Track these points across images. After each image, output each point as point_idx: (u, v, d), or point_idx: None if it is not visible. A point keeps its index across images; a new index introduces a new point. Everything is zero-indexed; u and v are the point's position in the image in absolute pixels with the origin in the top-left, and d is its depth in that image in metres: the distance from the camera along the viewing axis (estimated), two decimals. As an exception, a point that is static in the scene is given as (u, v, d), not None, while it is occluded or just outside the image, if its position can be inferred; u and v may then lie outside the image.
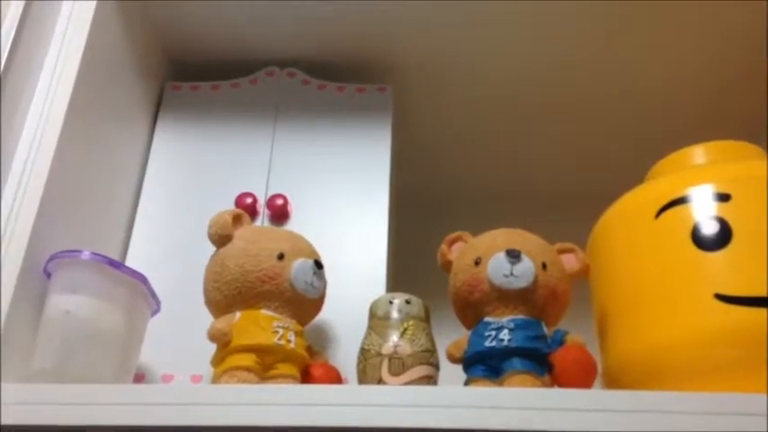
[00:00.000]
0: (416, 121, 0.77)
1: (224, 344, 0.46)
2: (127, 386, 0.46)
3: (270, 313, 0.47)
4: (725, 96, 0.72)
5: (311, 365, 0.48)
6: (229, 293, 0.48)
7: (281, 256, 0.48)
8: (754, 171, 0.49)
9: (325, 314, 0.56)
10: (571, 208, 0.73)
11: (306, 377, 0.48)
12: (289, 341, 0.46)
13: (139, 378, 0.53)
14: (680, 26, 0.66)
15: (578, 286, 0.53)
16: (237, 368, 0.44)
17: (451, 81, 0.73)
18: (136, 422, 0.41)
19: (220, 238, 0.49)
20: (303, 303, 0.49)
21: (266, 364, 0.46)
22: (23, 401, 0.42)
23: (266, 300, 0.47)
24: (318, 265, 0.49)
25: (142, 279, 0.48)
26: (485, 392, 0.42)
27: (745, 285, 0.44)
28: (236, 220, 0.50)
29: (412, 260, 0.71)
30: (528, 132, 0.78)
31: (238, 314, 0.47)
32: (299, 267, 0.48)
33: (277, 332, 0.46)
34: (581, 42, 0.68)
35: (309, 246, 0.51)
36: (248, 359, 0.45)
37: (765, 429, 0.39)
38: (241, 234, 0.50)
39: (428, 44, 0.69)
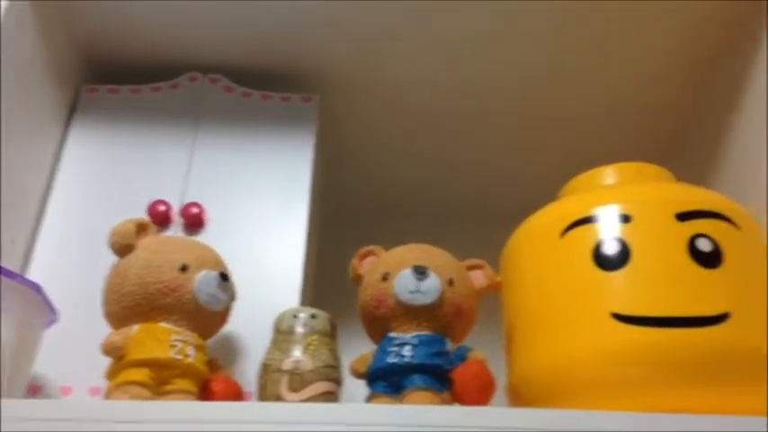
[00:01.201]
0: (344, 131, 0.77)
1: (119, 357, 0.45)
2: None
3: (169, 326, 0.46)
4: (643, 118, 0.74)
5: (212, 380, 0.47)
6: (128, 305, 0.46)
7: (184, 268, 0.47)
8: (654, 193, 0.50)
9: (238, 327, 0.56)
10: (496, 223, 0.73)
11: (206, 392, 0.47)
12: (187, 355, 0.45)
13: (37, 390, 0.51)
14: (614, 48, 0.67)
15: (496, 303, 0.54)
16: (130, 383, 0.43)
17: (380, 93, 0.73)
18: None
19: (122, 248, 0.48)
20: (206, 316, 0.48)
21: (162, 378, 0.45)
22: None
23: (167, 313, 0.46)
24: (224, 277, 0.49)
25: (36, 288, 0.46)
26: (377, 409, 0.41)
27: (641, 305, 0.45)
28: (141, 229, 0.49)
29: (336, 272, 0.71)
30: (454, 147, 0.79)
31: (136, 327, 0.46)
32: (202, 279, 0.47)
33: (175, 346, 0.45)
34: (507, 59, 0.69)
35: (216, 257, 0.51)
36: (142, 374, 0.44)
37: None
38: (144, 244, 0.48)
39: (357, 55, 0.69)
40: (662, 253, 0.47)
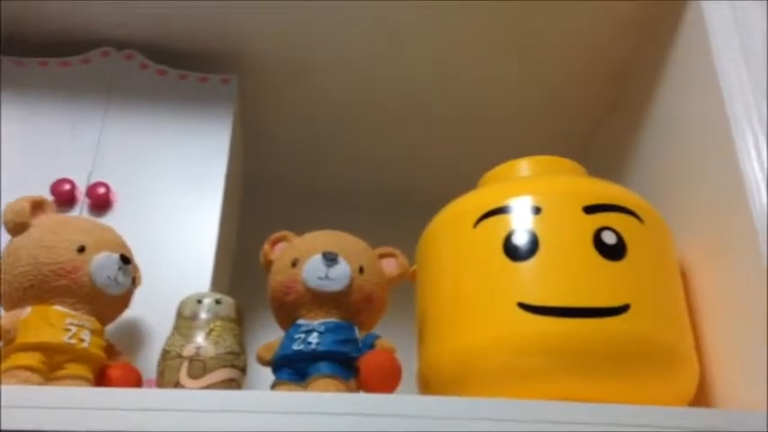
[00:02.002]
0: (265, 115, 0.75)
1: (8, 341, 0.42)
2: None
3: (64, 309, 0.44)
4: (557, 115, 0.75)
5: (109, 366, 0.45)
6: (20, 287, 0.44)
7: (81, 249, 0.45)
8: (564, 186, 0.51)
9: (144, 313, 0.54)
10: (416, 212, 0.73)
11: (103, 379, 0.45)
12: (82, 340, 0.43)
13: None
14: (533, 48, 0.68)
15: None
16: (19, 367, 0.41)
17: (301, 77, 0.71)
18: None
19: (15, 227, 0.45)
20: (104, 300, 0.46)
21: (54, 363, 0.43)
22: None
23: (62, 295, 0.44)
24: (125, 259, 0.47)
25: None
26: (280, 396, 0.41)
27: (546, 296, 0.46)
28: (37, 207, 0.47)
29: (256, 259, 0.70)
30: (375, 135, 0.78)
31: (29, 309, 0.44)
32: (100, 261, 0.46)
33: (69, 330, 0.43)
34: (430, 50, 0.69)
35: (117, 239, 0.49)
36: (32, 358, 0.42)
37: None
38: (40, 223, 0.46)
39: (278, 38, 0.67)
40: (568, 244, 0.47)
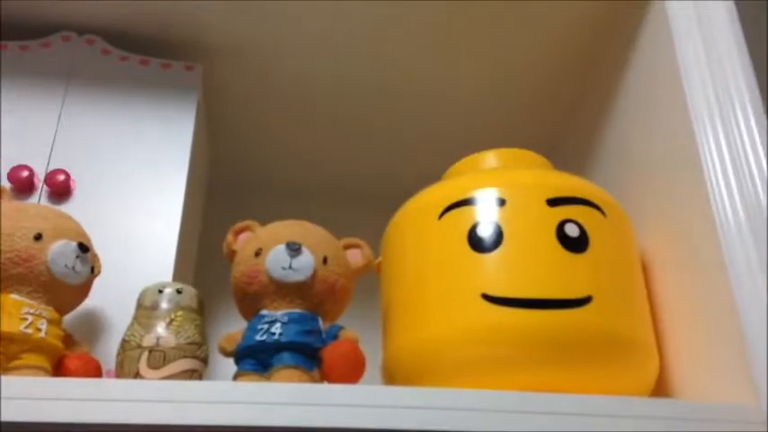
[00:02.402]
0: (228, 104, 0.74)
1: (-39, 331, 0.41)
2: None
3: (20, 298, 0.43)
4: (522, 109, 0.76)
5: (67, 357, 0.44)
6: (-26, 275, 0.43)
7: (38, 237, 0.44)
8: (528, 179, 0.51)
9: (104, 303, 0.53)
10: (383, 205, 0.73)
11: (60, 369, 0.44)
12: (38, 329, 0.42)
13: None
14: (482, 39, 0.68)
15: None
16: (-28, 358, 0.40)
17: (266, 67, 0.71)
18: None
19: (-30, 214, 0.44)
20: (62, 289, 0.45)
21: (10, 353, 0.42)
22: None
23: (18, 284, 0.43)
24: (83, 248, 0.46)
25: None
26: (242, 387, 0.40)
27: (509, 287, 0.46)
28: (-8, 194, 0.45)
29: (221, 249, 0.69)
30: (342, 127, 0.78)
31: (-17, 298, 0.43)
32: (58, 250, 0.45)
33: (25, 319, 0.42)
34: (394, 44, 0.68)
35: (76, 227, 0.48)
36: (-14, 348, 0.41)
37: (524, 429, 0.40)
38: (-5, 210, 0.45)
39: (243, 26, 0.66)
40: (532, 236, 0.48)
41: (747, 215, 0.46)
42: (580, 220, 0.49)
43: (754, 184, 0.47)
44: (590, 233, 0.48)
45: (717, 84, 0.51)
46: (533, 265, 0.47)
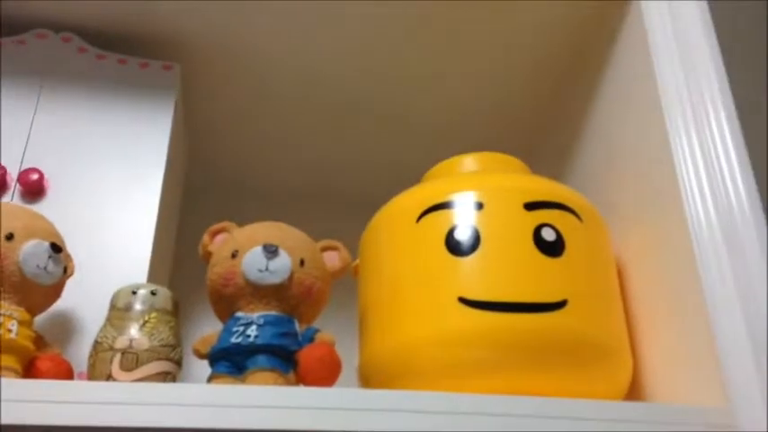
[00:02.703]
0: (206, 105, 0.74)
1: (-70, 331, 0.41)
2: None
3: (-10, 299, 0.42)
4: (499, 114, 0.76)
5: (38, 358, 0.44)
6: (-56, 275, 0.42)
7: (9, 237, 0.44)
8: (506, 182, 0.51)
9: (77, 304, 0.52)
10: (361, 209, 0.73)
11: (31, 371, 0.43)
12: (9, 330, 0.42)
13: None
14: (458, 43, 0.68)
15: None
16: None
17: (244, 67, 0.70)
18: None
19: (-60, 213, 0.43)
20: (34, 290, 0.44)
21: (-20, 355, 0.41)
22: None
23: (-12, 284, 0.43)
24: (56, 248, 0.45)
25: None
26: (216, 390, 0.40)
27: (486, 291, 0.46)
28: (-37, 193, 0.45)
29: (195, 249, 0.68)
30: (320, 130, 0.78)
31: (-48, 298, 0.42)
32: (30, 250, 0.44)
33: (-5, 320, 0.41)
34: (376, 46, 0.68)
35: (48, 226, 0.47)
36: (-45, 349, 0.40)
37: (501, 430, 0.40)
38: (-34, 209, 0.44)
39: (222, 26, 0.66)
40: (509, 240, 0.48)
41: (719, 217, 0.46)
42: (557, 225, 0.49)
43: (725, 186, 0.47)
44: (566, 237, 0.49)
45: (690, 84, 0.52)
46: (510, 268, 0.47)
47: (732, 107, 0.50)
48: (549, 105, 0.74)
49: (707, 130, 0.49)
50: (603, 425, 0.41)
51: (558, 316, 0.46)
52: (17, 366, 0.42)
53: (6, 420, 0.38)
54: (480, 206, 0.49)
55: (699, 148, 0.49)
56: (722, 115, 0.50)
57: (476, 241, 0.48)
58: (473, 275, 0.47)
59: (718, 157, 0.48)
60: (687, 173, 0.49)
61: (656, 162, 0.52)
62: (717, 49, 0.52)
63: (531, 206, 0.49)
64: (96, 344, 0.44)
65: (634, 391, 0.51)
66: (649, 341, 0.51)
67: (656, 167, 0.52)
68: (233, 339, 0.45)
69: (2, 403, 0.38)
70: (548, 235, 0.48)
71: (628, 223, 0.56)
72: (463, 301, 0.46)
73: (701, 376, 0.45)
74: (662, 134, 0.52)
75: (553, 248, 0.48)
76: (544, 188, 0.51)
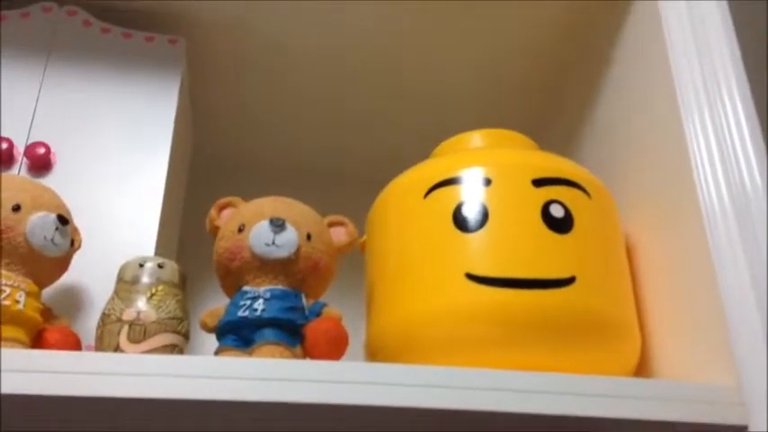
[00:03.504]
0: (211, 80, 0.73)
1: (-62, 302, 0.41)
2: None
3: (-3, 270, 0.42)
4: (510, 92, 0.75)
5: (46, 330, 0.44)
6: (-49, 246, 0.42)
7: (16, 208, 0.44)
8: (514, 159, 0.51)
9: (85, 276, 0.52)
10: (369, 183, 0.73)
11: (40, 343, 0.44)
12: (17, 301, 0.42)
13: None
14: (470, 23, 0.67)
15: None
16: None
17: (249, 46, 0.70)
18: None
19: (-54, 185, 0.43)
20: (41, 261, 0.44)
21: (-12, 326, 0.41)
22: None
23: (-5, 255, 0.43)
24: (63, 220, 0.45)
25: None
26: (223, 362, 0.40)
27: (494, 267, 0.46)
28: (-30, 164, 0.44)
29: (202, 223, 0.68)
30: (328, 106, 0.77)
31: (-41, 269, 0.42)
32: (37, 221, 0.44)
33: (3, 291, 0.42)
34: (381, 28, 0.68)
35: (55, 199, 0.47)
36: (-37, 319, 0.40)
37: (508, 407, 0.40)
38: (-27, 180, 0.44)
39: (228, 4, 0.65)
40: (517, 217, 0.48)
41: (732, 199, 0.46)
42: (565, 201, 0.49)
43: (739, 169, 0.47)
44: (575, 214, 0.48)
45: (703, 63, 0.51)
46: (518, 244, 0.47)
47: (746, 87, 0.49)
48: (557, 91, 0.74)
49: (721, 115, 0.49)
50: (611, 401, 0.41)
51: (566, 292, 0.46)
52: (25, 338, 0.43)
53: (14, 390, 0.38)
54: (488, 182, 0.49)
55: (713, 133, 0.48)
56: (735, 94, 0.49)
57: (483, 217, 0.48)
58: (480, 251, 0.47)
59: (731, 141, 0.48)
60: (700, 153, 0.49)
61: (668, 146, 0.52)
62: (730, 26, 0.52)
63: (539, 182, 0.49)
64: (104, 316, 0.44)
65: (643, 369, 0.51)
66: (659, 319, 0.51)
67: (669, 151, 0.52)
68: (240, 313, 0.45)
69: (10, 373, 0.38)
70: (556, 211, 0.48)
71: (637, 204, 0.55)
72: (470, 276, 0.46)
73: (711, 354, 0.45)
74: (675, 119, 0.51)
75: (561, 225, 0.48)
76: (553, 164, 0.51)
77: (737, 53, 0.51)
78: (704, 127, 0.49)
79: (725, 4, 0.53)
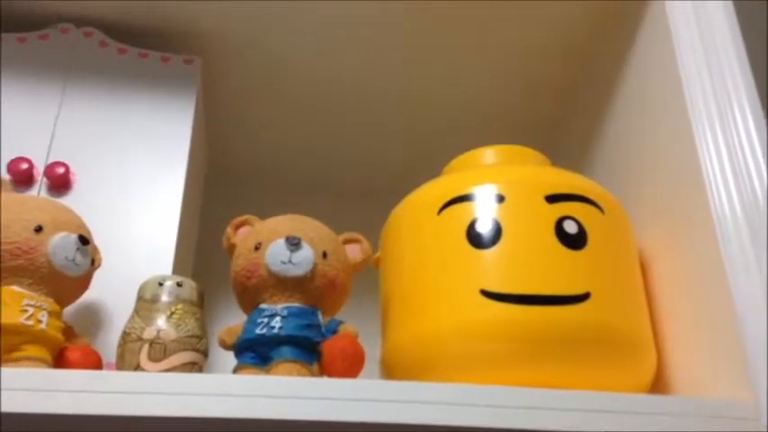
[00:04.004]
0: (227, 97, 0.74)
1: (-38, 322, 0.41)
2: None
3: (20, 290, 0.43)
4: (519, 105, 0.76)
5: (67, 349, 0.45)
6: (-25, 267, 0.43)
7: (38, 229, 0.44)
8: (527, 175, 0.51)
9: (104, 295, 0.53)
10: (383, 201, 0.73)
11: (61, 361, 0.44)
12: (39, 321, 0.43)
13: None
14: (479, 36, 0.68)
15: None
16: (-26, 349, 0.40)
17: (265, 60, 0.71)
18: None
19: (-30, 206, 0.44)
20: (62, 281, 0.45)
21: (11, 345, 0.42)
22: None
23: (18, 275, 0.43)
24: (83, 240, 0.46)
25: None
26: (242, 380, 0.40)
27: (508, 283, 0.46)
28: (-8, 186, 0.45)
29: (218, 241, 0.69)
30: (342, 124, 0.78)
31: (-17, 290, 0.43)
32: (58, 242, 0.45)
33: (26, 311, 0.42)
34: (392, 43, 0.68)
35: (76, 219, 0.48)
36: (-13, 339, 0.41)
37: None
38: (-5, 202, 0.45)
39: (242, 20, 0.66)
40: (531, 233, 0.48)
41: (745, 213, 0.46)
42: (579, 217, 0.49)
43: (752, 183, 0.47)
44: (588, 230, 0.49)
45: (715, 83, 0.51)
46: (532, 261, 0.47)
47: (757, 100, 0.49)
48: (569, 103, 0.74)
49: (732, 128, 0.49)
50: (627, 418, 0.41)
51: (580, 308, 0.46)
52: (47, 357, 0.43)
53: (37, 409, 0.38)
54: (501, 199, 0.49)
55: (724, 146, 0.49)
56: (746, 107, 0.49)
57: (497, 234, 0.48)
58: (494, 268, 0.47)
59: (743, 154, 0.48)
60: (712, 166, 0.49)
61: (680, 160, 0.52)
62: (742, 48, 0.52)
63: (552, 198, 0.49)
64: (125, 334, 0.45)
65: (658, 385, 0.51)
66: (674, 335, 0.51)
67: (681, 165, 0.52)
68: (257, 330, 0.46)
69: (32, 393, 0.38)
70: (570, 227, 0.48)
71: (650, 219, 0.56)
72: (485, 293, 0.46)
73: (726, 369, 0.45)
74: (687, 132, 0.51)
75: (575, 241, 0.48)
76: (566, 181, 0.51)
77: (746, 64, 0.51)
78: (716, 140, 0.49)
79: (732, 12, 0.53)
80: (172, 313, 0.45)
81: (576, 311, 0.46)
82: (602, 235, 0.49)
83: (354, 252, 0.51)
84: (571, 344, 0.46)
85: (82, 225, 0.48)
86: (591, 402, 0.42)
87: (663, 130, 0.55)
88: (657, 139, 0.56)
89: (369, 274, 0.55)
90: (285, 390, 0.40)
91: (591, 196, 0.51)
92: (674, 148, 0.53)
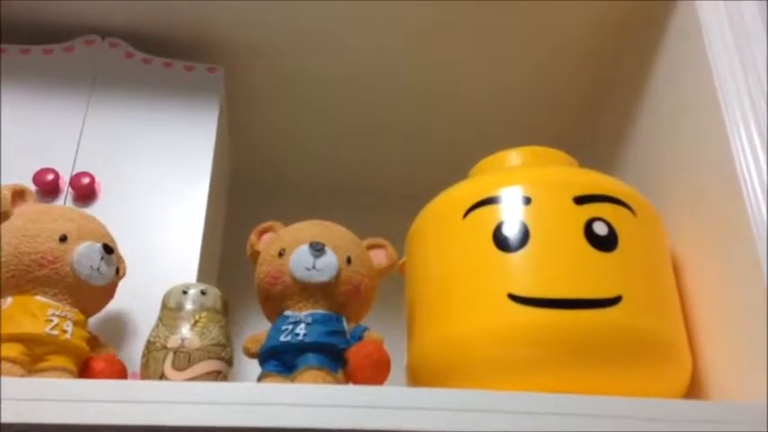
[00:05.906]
0: (251, 105, 0.74)
1: (-11, 333, 0.42)
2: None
3: (45, 300, 0.43)
4: (547, 106, 0.75)
5: (92, 359, 0.44)
6: (1, 277, 0.43)
7: (63, 238, 0.45)
8: (554, 176, 0.50)
9: (130, 304, 0.53)
10: (406, 206, 0.73)
11: (86, 371, 0.44)
12: (64, 331, 0.43)
13: None
14: (507, 37, 0.67)
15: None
16: (1, 359, 0.40)
17: (285, 72, 0.71)
18: None
19: (-4, 216, 0.45)
20: (87, 290, 0.45)
21: (36, 355, 0.42)
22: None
23: (43, 285, 0.44)
24: (108, 249, 0.46)
25: None
26: (267, 388, 0.40)
27: (536, 287, 0.45)
28: (18, 196, 0.46)
29: (244, 250, 0.69)
30: (365, 129, 0.78)
31: (9, 300, 0.43)
32: (83, 251, 0.45)
33: (51, 321, 0.42)
34: (419, 48, 0.68)
35: (100, 228, 0.48)
36: (14, 349, 0.41)
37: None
38: (21, 212, 0.45)
39: (265, 28, 0.66)
40: (559, 235, 0.47)
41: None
42: (609, 219, 0.48)
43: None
44: (619, 232, 0.48)
45: (750, 83, 0.50)
46: (561, 264, 0.46)
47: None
48: (599, 103, 0.73)
49: (766, 123, 0.48)
50: (662, 424, 0.40)
51: (612, 312, 0.45)
52: (72, 366, 0.43)
53: (62, 420, 0.38)
54: (528, 201, 0.48)
55: (759, 141, 0.47)
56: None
57: (524, 236, 0.47)
58: (522, 271, 0.46)
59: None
60: (747, 167, 0.47)
61: (715, 162, 0.50)
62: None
63: (580, 200, 0.48)
64: (149, 343, 0.45)
65: (694, 389, 0.49)
66: (709, 339, 0.49)
67: (716, 167, 0.50)
68: (282, 338, 0.45)
69: (57, 403, 0.38)
70: (599, 229, 0.47)
71: (684, 221, 0.54)
72: (513, 297, 0.45)
73: (763, 373, 0.43)
74: (719, 128, 0.50)
75: (606, 243, 0.47)
76: (594, 181, 0.50)
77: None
78: (751, 140, 0.48)
79: (765, 10, 0.52)
80: (196, 321, 0.45)
81: (608, 315, 0.45)
82: (633, 236, 0.48)
83: (379, 257, 0.51)
84: (602, 348, 0.45)
85: (106, 234, 0.48)
86: (624, 408, 0.41)
87: (695, 130, 0.54)
88: (690, 139, 0.55)
89: (393, 280, 0.54)
90: (311, 398, 0.40)
91: (621, 197, 0.49)
92: (707, 148, 0.52)
